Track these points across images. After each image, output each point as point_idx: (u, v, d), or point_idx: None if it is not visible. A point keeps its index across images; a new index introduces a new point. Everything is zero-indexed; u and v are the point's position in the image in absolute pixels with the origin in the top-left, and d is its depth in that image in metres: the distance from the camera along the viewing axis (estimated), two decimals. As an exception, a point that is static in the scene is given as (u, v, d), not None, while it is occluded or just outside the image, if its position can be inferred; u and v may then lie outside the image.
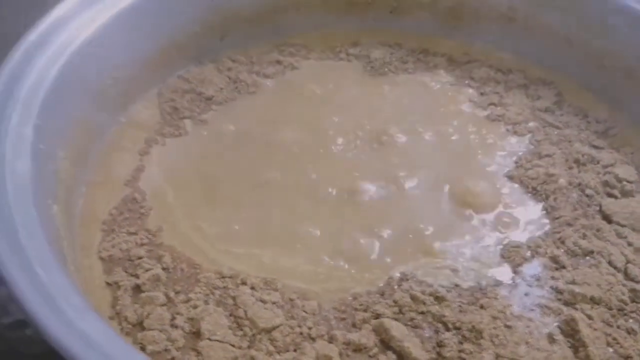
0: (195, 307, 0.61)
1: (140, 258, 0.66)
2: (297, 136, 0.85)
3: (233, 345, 0.57)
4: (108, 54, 0.82)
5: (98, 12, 0.81)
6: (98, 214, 0.72)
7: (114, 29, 0.82)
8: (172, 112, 0.89)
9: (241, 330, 0.59)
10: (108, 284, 0.64)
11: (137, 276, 0.64)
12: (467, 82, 0.95)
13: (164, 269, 0.65)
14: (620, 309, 0.62)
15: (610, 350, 0.58)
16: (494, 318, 0.59)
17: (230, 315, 0.60)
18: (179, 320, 0.60)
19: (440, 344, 0.58)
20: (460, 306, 0.61)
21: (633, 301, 0.62)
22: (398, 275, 0.65)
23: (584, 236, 0.69)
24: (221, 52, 1.02)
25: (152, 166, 0.79)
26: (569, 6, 0.94)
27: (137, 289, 0.63)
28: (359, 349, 0.57)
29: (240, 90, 0.94)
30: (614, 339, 0.59)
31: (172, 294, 0.63)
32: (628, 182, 0.76)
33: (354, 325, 0.60)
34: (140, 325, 0.60)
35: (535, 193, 0.75)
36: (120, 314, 0.61)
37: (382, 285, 0.64)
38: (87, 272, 0.65)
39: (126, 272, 0.65)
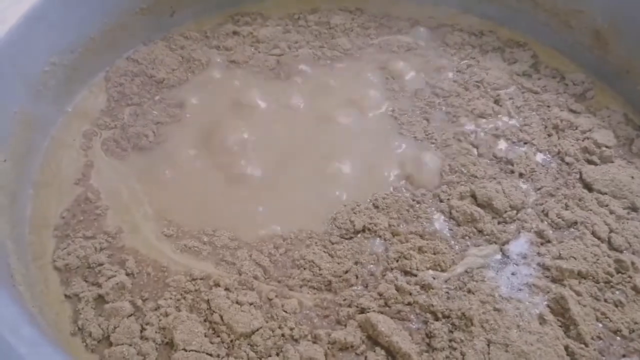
0: (166, 315, 0.56)
1: (100, 265, 0.61)
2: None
3: (210, 355, 0.53)
4: (43, 38, 0.74)
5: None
6: (49, 218, 0.66)
7: (47, 9, 0.73)
8: (120, 98, 0.81)
9: (218, 337, 0.55)
10: (67, 296, 0.59)
11: (99, 285, 0.59)
12: (442, 48, 0.91)
13: (128, 274, 0.60)
14: (607, 282, 0.60)
15: (600, 325, 0.57)
16: (483, 302, 0.57)
17: (205, 321, 0.56)
18: (150, 332, 0.55)
19: (429, 335, 0.55)
20: (447, 293, 0.58)
21: (618, 272, 0.61)
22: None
23: (567, 207, 0.67)
24: (172, 29, 0.95)
25: (100, 161, 0.72)
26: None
27: (100, 299, 0.58)
28: (345, 347, 0.54)
29: (194, 70, 0.87)
30: (603, 313, 0.57)
31: (139, 302, 0.58)
32: (607, 147, 0.74)
33: (338, 322, 0.56)
34: (106, 340, 0.55)
35: (512, 167, 0.72)
36: (84, 330, 0.55)
37: (367, 276, 0.60)
38: (42, 286, 0.59)
39: (86, 281, 0.60)
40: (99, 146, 0.76)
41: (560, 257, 0.61)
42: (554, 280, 0.60)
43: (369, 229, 0.64)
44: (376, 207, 0.67)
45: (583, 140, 0.75)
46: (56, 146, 0.75)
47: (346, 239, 0.64)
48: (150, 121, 0.78)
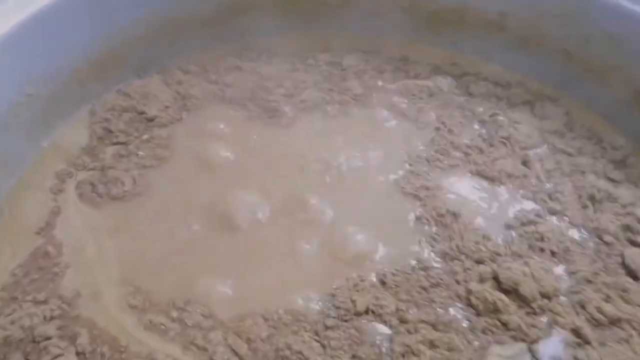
0: (116, 413, 0.46)
1: (47, 339, 0.51)
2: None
3: None
4: (18, 66, 0.66)
5: (3, 13, 0.65)
6: (-3, 274, 0.56)
7: (26, 34, 0.66)
8: (104, 135, 0.73)
9: None
10: (-1, 379, 0.49)
11: (40, 366, 0.49)
12: (465, 98, 0.82)
13: (78, 354, 0.50)
14: (661, 402, 0.49)
15: None
16: (507, 422, 0.46)
17: None
18: None
19: None
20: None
21: (675, 389, 0.50)
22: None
23: (608, 298, 0.56)
24: (170, 61, 0.87)
25: (70, 208, 0.63)
26: (567, 14, 0.80)
27: (39, 386, 0.48)
28: None
29: (189, 107, 0.79)
30: None
31: (85, 395, 0.47)
32: (653, 225, 0.63)
33: None
34: None
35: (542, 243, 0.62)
36: None
37: None
38: (-28, 363, 0.49)
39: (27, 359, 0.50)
40: (73, 190, 0.67)
41: (602, 366, 0.51)
42: (595, 397, 0.49)
43: (372, 311, 0.54)
44: (383, 284, 0.57)
45: (624, 216, 0.65)
46: (23, 187, 0.66)
47: (344, 321, 0.53)
48: (134, 164, 0.70)
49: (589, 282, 0.58)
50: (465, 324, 0.54)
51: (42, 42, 0.68)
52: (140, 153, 0.72)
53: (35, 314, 0.53)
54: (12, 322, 0.52)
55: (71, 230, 0.61)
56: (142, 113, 0.77)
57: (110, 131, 0.74)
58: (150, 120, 0.76)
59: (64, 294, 0.55)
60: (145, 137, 0.74)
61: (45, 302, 0.54)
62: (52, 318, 0.53)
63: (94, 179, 0.68)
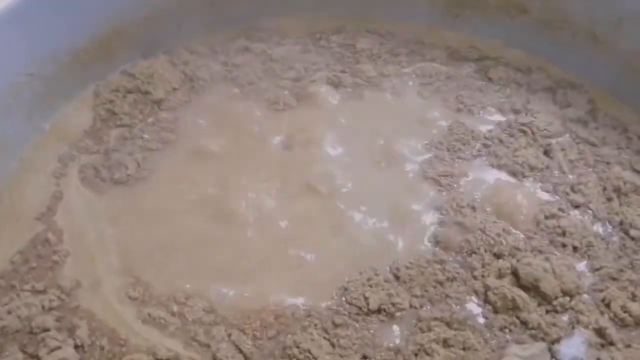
0: (115, 409, 0.44)
1: (46, 330, 0.49)
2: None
3: None
4: (19, 45, 0.63)
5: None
6: (-5, 262, 0.55)
7: (27, 11, 0.63)
8: (108, 117, 0.71)
9: None
10: (-5, 371, 0.47)
11: (37, 359, 0.47)
12: (483, 83, 0.78)
13: (77, 347, 0.48)
14: (690, 407, 0.46)
15: None
16: None
17: (165, 422, 0.44)
18: None
19: None
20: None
21: None
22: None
23: (634, 297, 0.54)
24: (177, 41, 0.83)
25: (72, 193, 0.61)
26: (595, -6, 0.77)
27: (36, 380, 0.46)
28: None
29: (196, 89, 0.76)
30: None
31: (84, 389, 0.46)
32: (682, 220, 0.60)
33: None
34: None
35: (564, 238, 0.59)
36: (7, 422, 0.44)
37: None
38: (-33, 354, 0.48)
39: (24, 352, 0.48)
40: (75, 174, 0.65)
41: (627, 369, 0.48)
42: (620, 402, 0.46)
43: (385, 310, 0.52)
44: (397, 278, 0.54)
45: (652, 209, 0.62)
46: (24, 171, 0.64)
47: (355, 320, 0.51)
48: (138, 147, 0.67)
49: (614, 279, 0.55)
50: (482, 322, 0.51)
51: (44, 20, 0.65)
52: (145, 136, 0.69)
53: (34, 304, 0.51)
54: (9, 312, 0.50)
55: (72, 217, 0.59)
56: (147, 94, 0.74)
57: (115, 113, 0.71)
58: (156, 102, 0.73)
59: (63, 283, 0.53)
60: (150, 119, 0.71)
61: (44, 291, 0.52)
62: (50, 309, 0.51)
63: (97, 163, 0.66)
